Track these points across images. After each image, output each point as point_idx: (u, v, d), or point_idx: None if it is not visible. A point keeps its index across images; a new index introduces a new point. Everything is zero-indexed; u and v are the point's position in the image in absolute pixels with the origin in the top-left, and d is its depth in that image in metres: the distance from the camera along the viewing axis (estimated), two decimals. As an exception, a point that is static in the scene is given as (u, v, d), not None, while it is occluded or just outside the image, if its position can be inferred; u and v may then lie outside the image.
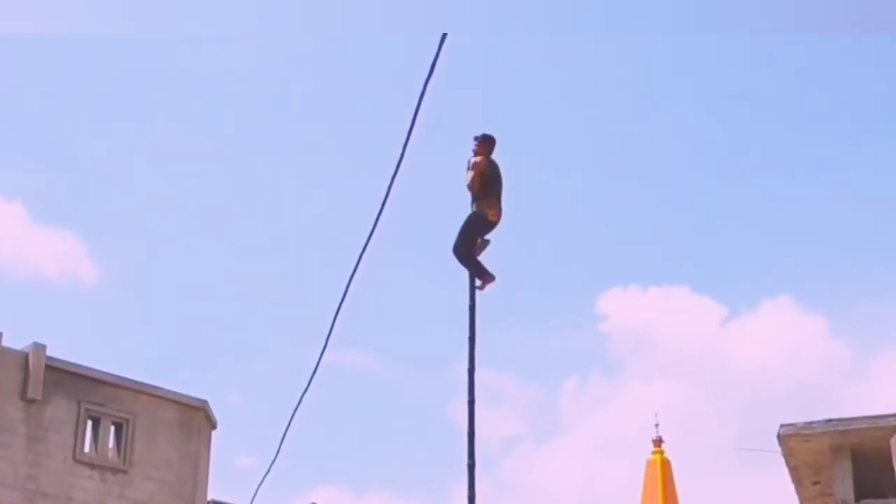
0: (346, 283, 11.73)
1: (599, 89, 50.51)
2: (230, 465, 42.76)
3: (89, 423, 21.19)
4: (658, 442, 28.25)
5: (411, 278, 51.34)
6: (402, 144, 9.89)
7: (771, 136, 49.91)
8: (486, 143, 11.09)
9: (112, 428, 21.48)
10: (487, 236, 11.06)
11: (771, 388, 48.80)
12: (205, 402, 22.87)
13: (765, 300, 58.83)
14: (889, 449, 13.25)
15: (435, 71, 8.14)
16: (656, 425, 28.39)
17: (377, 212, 10.83)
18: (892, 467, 13.28)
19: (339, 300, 11.95)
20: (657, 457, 28.03)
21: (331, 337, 12.46)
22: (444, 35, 7.53)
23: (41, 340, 20.73)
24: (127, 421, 21.49)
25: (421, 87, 8.74)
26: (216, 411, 23.33)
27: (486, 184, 10.94)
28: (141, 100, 48.28)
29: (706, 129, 51.35)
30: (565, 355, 54.81)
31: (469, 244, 10.94)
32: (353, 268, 11.51)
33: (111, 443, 21.52)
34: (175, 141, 48.51)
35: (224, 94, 49.54)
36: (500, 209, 10.98)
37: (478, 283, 10.82)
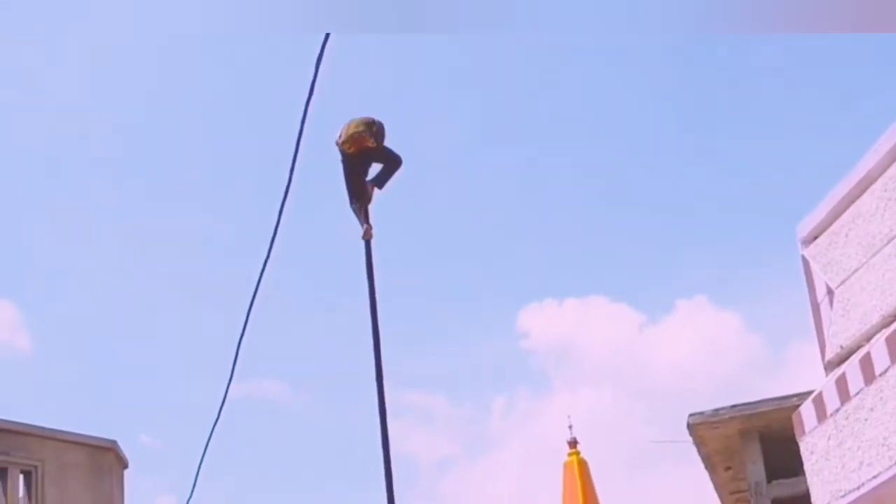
0: (246, 312, 11.76)
1: (490, 102, 50.76)
2: (153, 505, 42.15)
3: (-4, 473, 20.78)
4: (573, 443, 28.50)
5: (317, 303, 51.05)
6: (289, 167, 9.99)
7: (673, 139, 50.61)
8: None
9: (21, 476, 21.09)
10: (370, 178, 10.97)
11: (692, 386, 49.46)
12: (114, 441, 22.57)
13: (680, 301, 59.49)
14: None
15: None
16: (570, 427, 28.66)
17: (271, 236, 10.88)
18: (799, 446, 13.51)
19: (241, 330, 11.98)
20: (573, 458, 28.26)
21: (237, 368, 12.46)
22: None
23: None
24: (35, 468, 21.12)
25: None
26: (129, 453, 23.15)
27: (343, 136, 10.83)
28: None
29: (606, 132, 51.89)
30: (492, 375, 55.07)
31: (351, 192, 10.86)
32: (251, 296, 11.54)
33: (21, 491, 21.10)
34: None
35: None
36: (346, 134, 10.79)
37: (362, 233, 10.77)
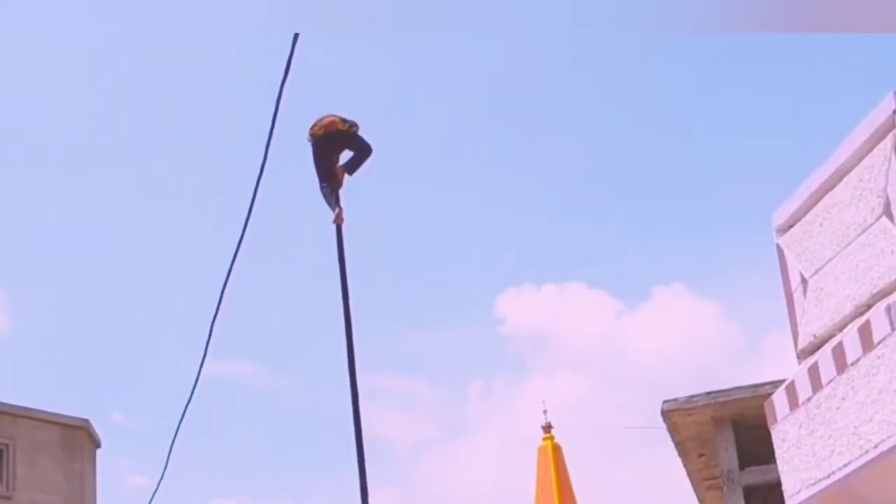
0: (220, 293, 11.73)
1: (470, 89, 50.68)
2: (125, 485, 42.04)
3: (-33, 452, 20.69)
4: (547, 428, 28.53)
5: (292, 283, 50.97)
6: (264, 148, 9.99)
7: (649, 129, 50.64)
8: None
9: (-8, 455, 21.02)
10: (341, 162, 11.02)
11: (671, 375, 49.54)
12: (86, 420, 22.51)
13: (659, 288, 59.51)
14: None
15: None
16: (544, 412, 28.69)
17: (245, 217, 10.86)
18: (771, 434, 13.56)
19: (215, 309, 11.93)
20: (547, 443, 28.31)
21: (210, 347, 12.41)
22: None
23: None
24: (7, 446, 21.03)
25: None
26: (101, 433, 23.11)
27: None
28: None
29: (588, 122, 51.89)
30: (469, 359, 55.04)
31: (320, 174, 10.95)
32: (225, 277, 11.51)
33: (-8, 470, 21.03)
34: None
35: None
36: (317, 123, 10.95)
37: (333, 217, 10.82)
